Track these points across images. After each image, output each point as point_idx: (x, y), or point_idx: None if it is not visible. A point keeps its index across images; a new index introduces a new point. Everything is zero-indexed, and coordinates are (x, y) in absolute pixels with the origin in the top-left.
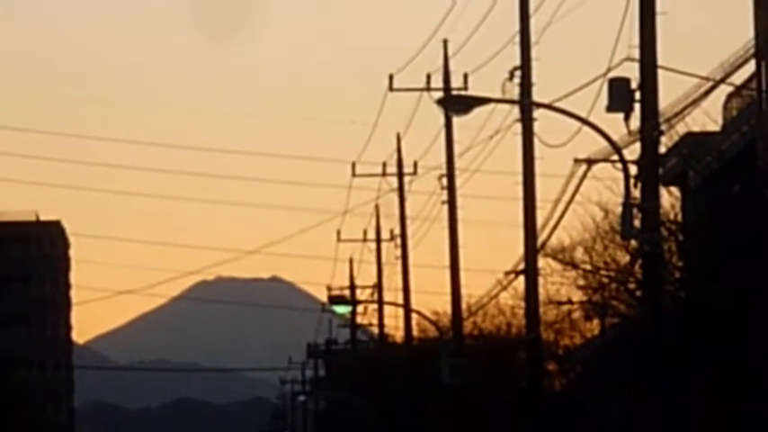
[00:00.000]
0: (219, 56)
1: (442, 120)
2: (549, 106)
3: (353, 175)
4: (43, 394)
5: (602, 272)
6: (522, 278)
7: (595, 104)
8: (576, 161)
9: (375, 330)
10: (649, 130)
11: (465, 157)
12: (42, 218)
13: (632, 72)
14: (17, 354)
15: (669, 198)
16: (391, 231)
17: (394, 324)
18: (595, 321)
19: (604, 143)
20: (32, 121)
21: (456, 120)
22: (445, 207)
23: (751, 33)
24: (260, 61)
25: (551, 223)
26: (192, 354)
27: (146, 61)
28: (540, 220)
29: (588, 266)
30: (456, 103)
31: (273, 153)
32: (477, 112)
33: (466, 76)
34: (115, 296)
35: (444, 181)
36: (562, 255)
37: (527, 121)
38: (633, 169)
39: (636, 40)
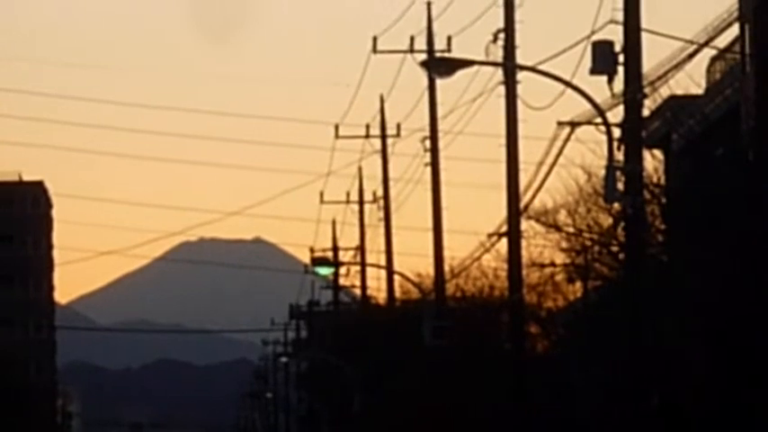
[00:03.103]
0: (202, 19)
1: (425, 82)
2: (532, 69)
3: (337, 136)
4: (25, 354)
5: (585, 234)
6: (504, 240)
7: (579, 67)
8: (560, 124)
9: (358, 292)
10: (633, 93)
11: (448, 120)
12: (25, 178)
13: (616, 35)
14: None
15: (652, 161)
16: (374, 193)
17: (376, 286)
18: (578, 284)
19: (588, 106)
20: (15, 82)
21: (439, 82)
22: (428, 169)
23: None
24: (242, 23)
25: (534, 185)
26: (174, 315)
27: (128, 23)
28: (523, 183)
29: (571, 229)
30: (439, 66)
31: (257, 114)
32: (461, 74)
33: (449, 39)
34: (98, 257)
35: (427, 143)
36: (545, 217)
37: (510, 84)
38: (616, 132)
39: (620, 3)
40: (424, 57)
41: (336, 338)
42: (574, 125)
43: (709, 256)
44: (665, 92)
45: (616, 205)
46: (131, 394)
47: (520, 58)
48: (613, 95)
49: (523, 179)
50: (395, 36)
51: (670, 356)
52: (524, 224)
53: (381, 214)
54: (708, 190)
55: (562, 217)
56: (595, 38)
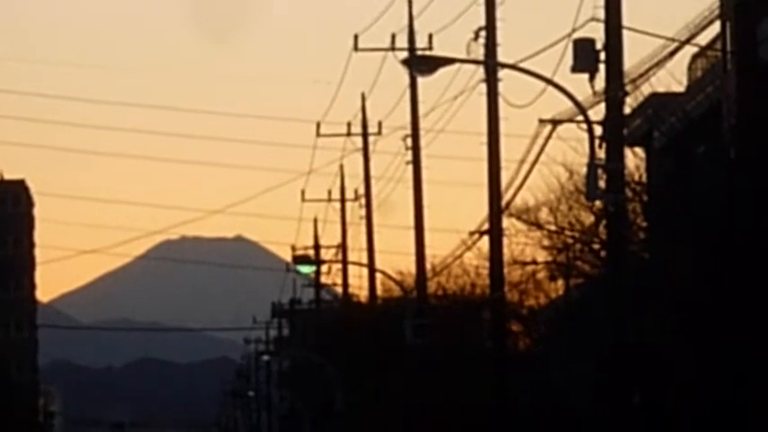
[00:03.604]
0: (182, 17)
1: (406, 80)
2: (514, 66)
3: (318, 134)
4: (6, 353)
5: (567, 232)
6: (486, 238)
7: (560, 65)
8: (541, 121)
9: (339, 290)
10: (614, 91)
11: (430, 118)
12: (6, 177)
13: (597, 32)
14: None
15: (634, 159)
16: (356, 191)
17: (358, 284)
18: (560, 282)
19: (569, 104)
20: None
21: (421, 80)
22: (410, 167)
23: None
24: (224, 21)
25: (516, 183)
26: (155, 313)
27: (109, 22)
28: (504, 181)
29: (553, 227)
30: (421, 64)
31: (238, 113)
32: (442, 72)
33: (431, 37)
34: (79, 255)
35: (409, 141)
36: (527, 215)
37: (492, 82)
38: (598, 130)
39: (601, 1)
40: (405, 55)
41: (318, 337)
42: (555, 123)
43: (691, 254)
44: (646, 89)
45: (598, 203)
46: (113, 393)
47: (501, 56)
48: (595, 93)
49: (505, 177)
50: (376, 34)
51: (651, 354)
52: (506, 222)
53: (363, 212)
54: (689, 188)
55: (544, 215)
56: (577, 36)
